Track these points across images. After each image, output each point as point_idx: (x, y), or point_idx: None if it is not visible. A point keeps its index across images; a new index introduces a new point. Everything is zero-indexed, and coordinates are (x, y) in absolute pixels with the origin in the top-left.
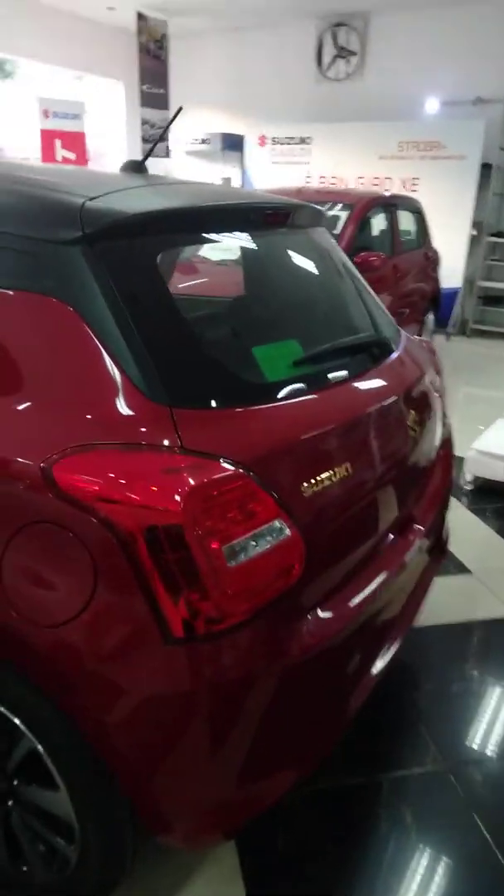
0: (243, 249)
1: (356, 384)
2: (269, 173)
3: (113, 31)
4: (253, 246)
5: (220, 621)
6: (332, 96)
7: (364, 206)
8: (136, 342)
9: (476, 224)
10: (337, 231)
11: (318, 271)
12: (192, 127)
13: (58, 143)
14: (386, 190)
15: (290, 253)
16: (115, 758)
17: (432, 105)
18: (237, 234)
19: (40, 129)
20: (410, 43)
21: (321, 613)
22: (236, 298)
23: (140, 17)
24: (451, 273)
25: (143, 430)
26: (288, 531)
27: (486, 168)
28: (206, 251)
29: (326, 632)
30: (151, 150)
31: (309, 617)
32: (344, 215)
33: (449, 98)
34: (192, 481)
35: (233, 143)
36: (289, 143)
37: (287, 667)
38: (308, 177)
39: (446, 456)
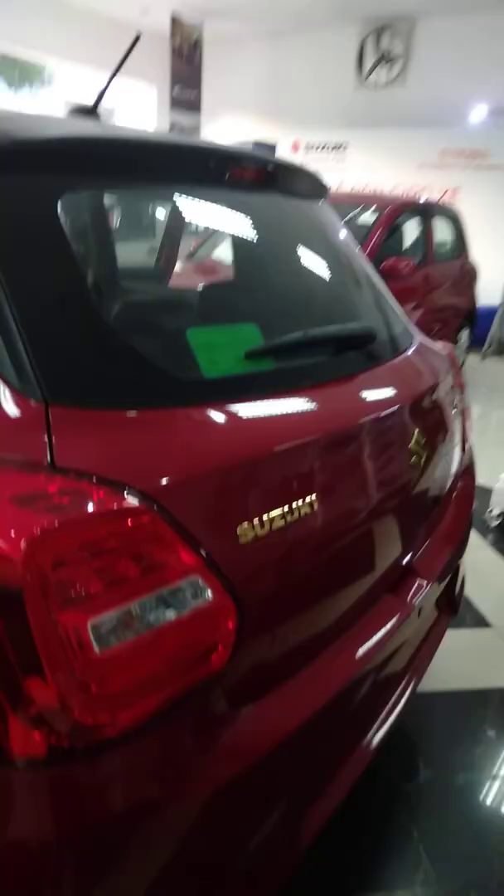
0: (220, 217)
1: (339, 389)
2: None
3: (146, 34)
4: (228, 213)
5: (83, 735)
6: (372, 102)
7: (394, 210)
8: (4, 310)
9: None
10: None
11: (311, 250)
12: (224, 134)
13: None
14: (420, 197)
15: (275, 225)
16: None
17: (479, 112)
18: (196, 191)
19: None
20: (458, 48)
21: (264, 709)
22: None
23: (174, 20)
24: (491, 289)
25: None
26: (210, 593)
27: None
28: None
29: (271, 735)
30: (104, 91)
31: (244, 714)
32: (373, 219)
33: (498, 105)
34: (49, 518)
35: (265, 152)
36: (323, 150)
37: (204, 792)
38: (341, 183)
39: (466, 488)
